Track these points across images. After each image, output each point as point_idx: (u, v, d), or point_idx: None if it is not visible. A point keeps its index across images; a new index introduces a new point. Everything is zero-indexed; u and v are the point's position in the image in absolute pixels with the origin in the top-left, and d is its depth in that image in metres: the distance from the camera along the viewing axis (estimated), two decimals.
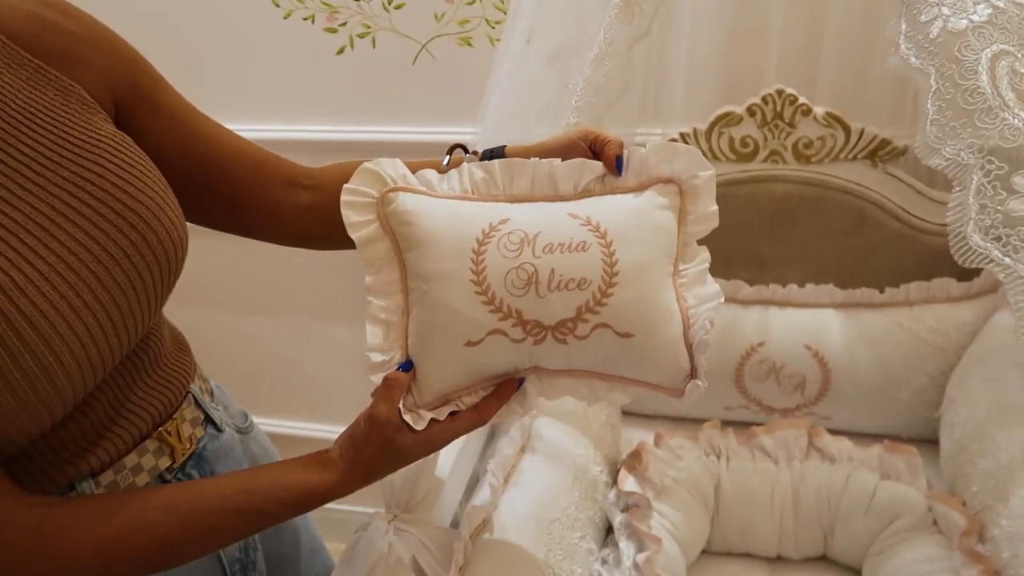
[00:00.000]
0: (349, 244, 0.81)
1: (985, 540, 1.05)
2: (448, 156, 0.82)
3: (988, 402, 1.19)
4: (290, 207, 0.83)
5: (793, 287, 1.46)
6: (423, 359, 0.78)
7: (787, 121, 1.46)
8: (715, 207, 0.83)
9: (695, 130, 1.50)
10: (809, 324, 1.44)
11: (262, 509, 0.69)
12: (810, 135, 1.46)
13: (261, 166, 0.81)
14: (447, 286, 0.77)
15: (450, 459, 0.98)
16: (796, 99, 1.44)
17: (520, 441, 1.08)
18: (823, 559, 1.22)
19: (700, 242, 0.84)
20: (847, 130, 1.44)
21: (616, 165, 0.79)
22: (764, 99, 1.45)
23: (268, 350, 2.08)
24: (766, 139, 1.48)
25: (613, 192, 0.81)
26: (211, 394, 0.87)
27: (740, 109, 1.47)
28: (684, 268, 0.82)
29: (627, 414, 1.51)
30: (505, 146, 0.83)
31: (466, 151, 0.83)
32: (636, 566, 1.00)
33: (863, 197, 1.47)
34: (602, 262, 0.76)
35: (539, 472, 1.05)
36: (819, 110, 1.44)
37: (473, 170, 0.81)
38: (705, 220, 0.83)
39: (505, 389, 0.78)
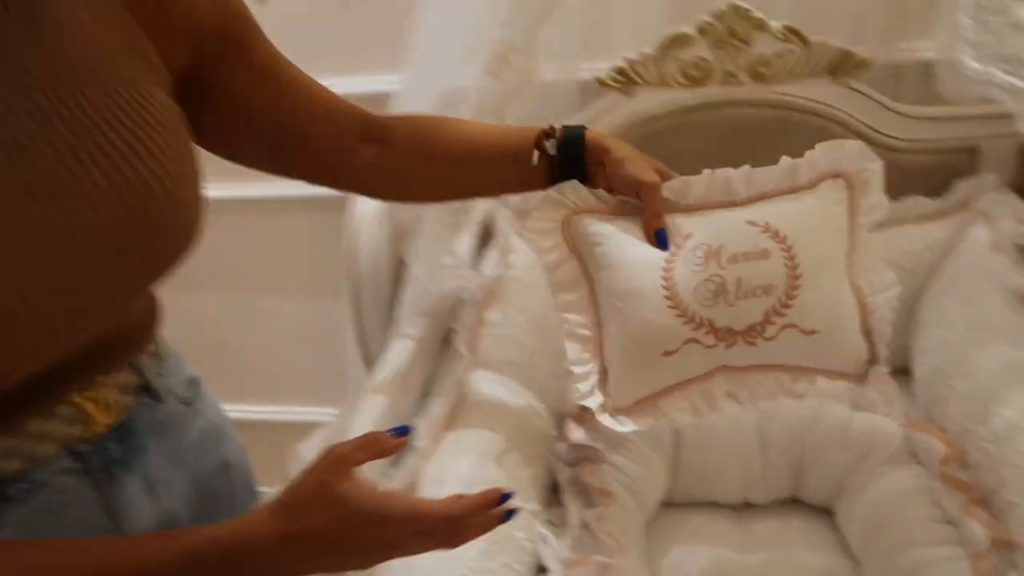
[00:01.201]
0: (417, 198, 0.98)
1: (967, 466, 0.97)
2: (536, 152, 0.85)
3: (964, 321, 1.11)
4: (360, 162, 0.82)
5: None
6: (623, 369, 0.85)
7: (741, 39, 1.35)
8: (884, 197, 0.87)
9: (643, 56, 1.39)
10: None
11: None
12: (767, 52, 1.36)
13: (338, 118, 0.80)
14: (642, 302, 0.82)
15: (369, 422, 0.90)
16: (750, 14, 1.33)
17: (453, 397, 0.99)
18: (793, 501, 1.14)
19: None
20: (806, 44, 1.34)
21: (658, 240, 0.84)
22: (717, 16, 1.34)
23: (208, 327, 1.98)
24: (720, 60, 1.38)
25: (787, 192, 0.87)
26: (159, 358, 0.75)
27: (691, 29, 1.36)
28: (858, 257, 0.87)
29: None
30: (584, 128, 0.87)
31: (549, 137, 0.85)
32: (584, 525, 0.92)
33: (827, 116, 1.37)
34: (784, 267, 0.82)
35: (474, 431, 0.96)
36: (775, 24, 1.34)
37: None
38: (874, 210, 0.87)
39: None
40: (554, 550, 0.93)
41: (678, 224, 0.84)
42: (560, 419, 1.11)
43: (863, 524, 0.99)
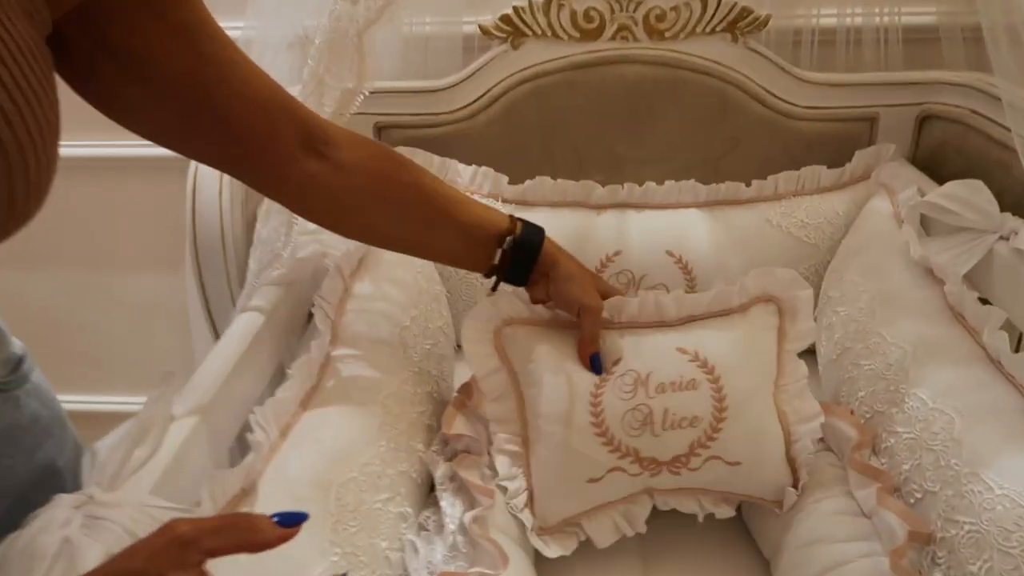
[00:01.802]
0: (350, 235, 0.84)
1: (879, 452, 0.89)
2: (499, 250, 0.85)
3: (869, 295, 1.03)
4: (297, 172, 0.73)
5: (651, 185, 1.26)
6: (548, 492, 0.87)
7: None
8: (812, 323, 0.91)
9: (531, 4, 1.25)
10: (670, 227, 1.25)
11: None
12: (663, 5, 1.25)
13: (275, 112, 0.70)
14: (569, 430, 0.84)
15: (189, 417, 0.72)
16: None
17: (308, 380, 0.82)
18: None
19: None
20: None
21: (592, 365, 0.86)
22: None
23: (35, 308, 1.71)
24: (613, 11, 1.26)
25: (716, 315, 0.90)
26: None
27: None
28: (784, 384, 0.90)
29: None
30: (542, 233, 0.88)
31: (509, 232, 0.85)
32: (462, 528, 0.78)
33: (724, 78, 1.28)
34: (711, 399, 0.85)
35: (331, 419, 0.80)
36: None
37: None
38: (802, 337, 0.91)
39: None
40: (424, 561, 0.79)
41: (608, 345, 0.86)
42: (438, 406, 0.96)
43: (772, 519, 0.90)
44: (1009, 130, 1.11)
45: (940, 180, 1.21)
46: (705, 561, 0.93)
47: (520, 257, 0.84)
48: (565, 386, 0.85)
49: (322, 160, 0.74)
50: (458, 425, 0.89)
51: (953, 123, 1.25)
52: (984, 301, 0.94)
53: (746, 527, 0.95)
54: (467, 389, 0.92)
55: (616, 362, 0.86)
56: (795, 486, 0.88)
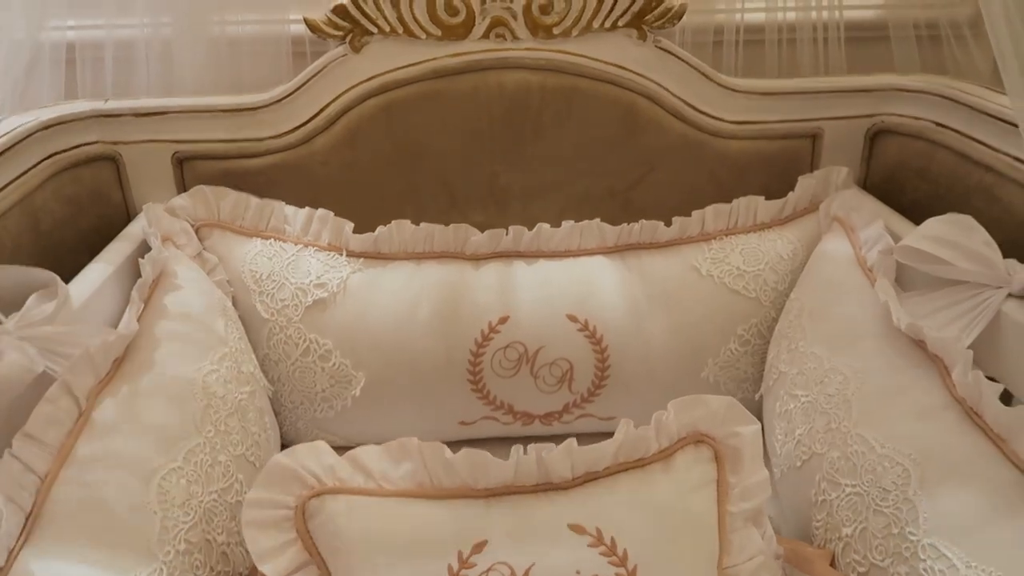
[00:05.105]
0: None
1: None
2: None
3: (840, 378, 0.76)
4: None
5: (544, 227, 0.95)
6: None
7: None
8: (765, 474, 0.63)
9: None
10: (571, 282, 0.95)
11: None
12: None
13: None
14: None
15: None
16: None
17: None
18: None
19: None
20: None
21: None
22: None
23: None
24: (484, 1, 0.95)
25: (628, 469, 0.61)
26: None
27: None
28: (732, 567, 0.62)
29: None
30: None
31: None
32: None
33: (631, 87, 1.00)
34: None
35: None
36: None
37: (429, 453, 0.59)
38: (753, 493, 0.63)
39: None
40: None
41: (469, 520, 0.58)
42: None
43: None
44: (992, 148, 0.87)
45: (900, 210, 0.97)
46: None
47: None
48: None
49: None
50: None
51: (913, 139, 1.00)
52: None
53: None
54: None
55: (479, 548, 0.55)
56: None
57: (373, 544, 0.56)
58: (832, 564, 0.66)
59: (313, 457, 0.58)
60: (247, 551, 0.68)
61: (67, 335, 0.71)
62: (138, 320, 0.75)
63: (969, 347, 0.70)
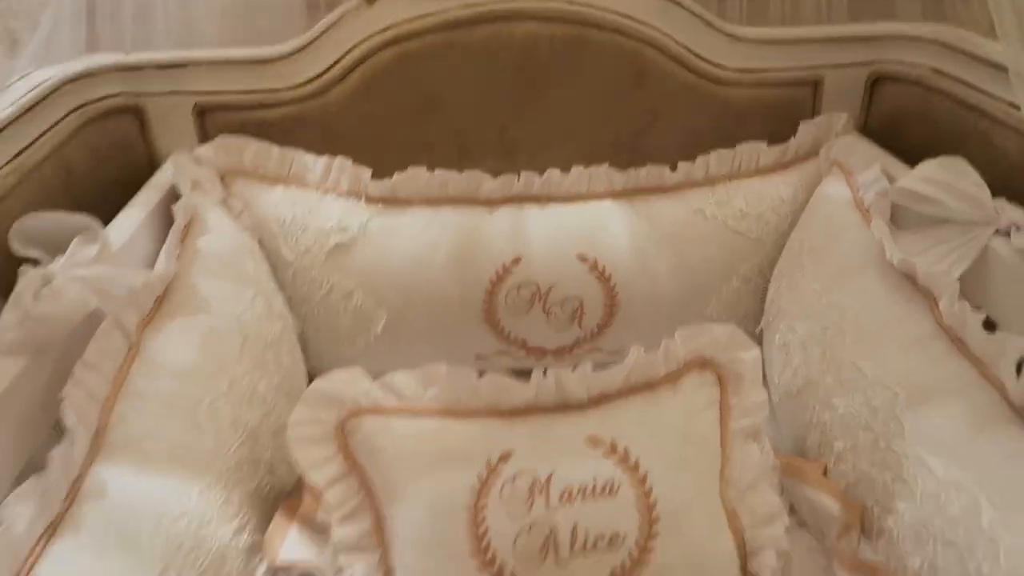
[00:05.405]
0: None
1: (872, 535, 0.67)
2: None
3: (837, 312, 0.80)
4: None
5: (554, 173, 1.00)
6: None
7: None
8: (763, 395, 0.70)
9: None
10: (581, 224, 0.99)
11: None
12: None
13: None
14: (443, 561, 0.61)
15: None
16: None
17: (34, 526, 0.52)
18: None
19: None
20: None
21: None
22: None
23: None
24: None
25: (638, 391, 0.67)
26: None
27: None
28: (733, 476, 0.67)
29: None
30: None
31: None
32: None
33: (639, 37, 1.03)
34: (636, 507, 0.62)
35: (86, 562, 0.51)
36: None
37: (456, 377, 0.65)
38: (752, 411, 0.69)
39: None
40: None
41: (495, 435, 0.63)
42: (262, 522, 0.68)
43: None
44: (987, 93, 0.91)
45: (899, 155, 1.00)
46: None
47: None
48: (435, 499, 0.60)
49: None
50: (290, 546, 0.62)
51: (912, 85, 1.03)
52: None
53: None
54: (302, 489, 0.65)
55: (504, 458, 0.60)
56: None
57: (409, 457, 0.62)
58: (824, 475, 0.71)
59: (350, 381, 0.64)
60: (290, 467, 0.75)
61: (110, 276, 0.75)
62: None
63: (958, 281, 0.75)
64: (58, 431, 0.68)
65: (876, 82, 1.07)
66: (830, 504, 0.68)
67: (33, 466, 0.63)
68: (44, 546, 0.52)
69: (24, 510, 0.52)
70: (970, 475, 0.60)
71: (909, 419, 0.67)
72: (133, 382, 0.66)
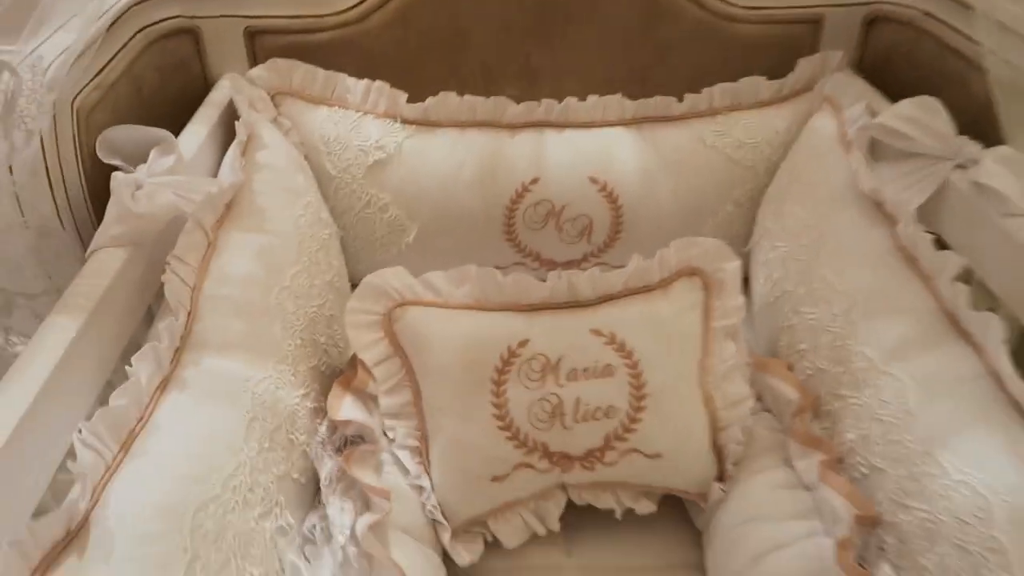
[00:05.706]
0: None
1: (821, 415, 0.80)
2: None
3: (814, 232, 0.92)
4: None
5: (572, 101, 1.10)
6: (448, 491, 0.78)
7: None
8: (742, 299, 0.83)
9: None
10: (594, 149, 1.11)
11: None
12: None
13: None
14: (469, 424, 0.76)
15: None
16: None
17: (155, 375, 0.67)
18: None
19: None
20: None
21: None
22: None
23: None
24: None
25: (636, 293, 0.80)
26: None
27: None
28: (711, 366, 0.81)
29: None
30: None
31: None
32: (354, 538, 0.66)
33: None
34: (629, 386, 0.76)
35: (185, 423, 0.66)
36: None
37: (484, 276, 0.78)
38: (731, 314, 0.82)
39: None
40: None
41: (516, 324, 0.77)
42: (326, 382, 0.83)
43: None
44: (967, 37, 1.00)
45: (889, 91, 1.09)
46: (632, 536, 0.84)
47: None
48: (464, 376, 0.74)
49: None
50: (347, 408, 0.76)
51: (904, 26, 1.11)
52: (939, 240, 0.84)
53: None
54: (357, 363, 0.79)
55: (523, 344, 0.73)
56: (722, 478, 0.80)
57: (442, 341, 0.75)
58: (788, 371, 0.85)
59: (396, 278, 0.77)
60: (341, 351, 0.89)
61: (188, 183, 0.88)
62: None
63: (920, 208, 0.87)
64: (148, 318, 0.83)
65: (872, 22, 1.15)
66: (790, 392, 0.82)
67: (134, 343, 0.78)
68: (159, 396, 0.67)
69: (144, 367, 0.66)
70: (904, 368, 0.73)
71: (863, 325, 0.80)
72: (212, 273, 0.79)
